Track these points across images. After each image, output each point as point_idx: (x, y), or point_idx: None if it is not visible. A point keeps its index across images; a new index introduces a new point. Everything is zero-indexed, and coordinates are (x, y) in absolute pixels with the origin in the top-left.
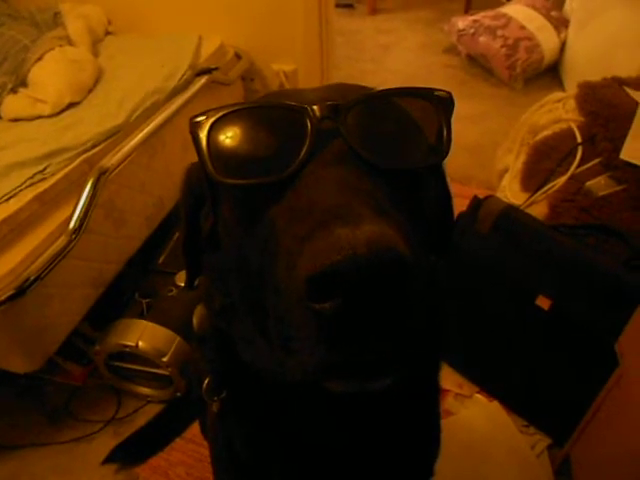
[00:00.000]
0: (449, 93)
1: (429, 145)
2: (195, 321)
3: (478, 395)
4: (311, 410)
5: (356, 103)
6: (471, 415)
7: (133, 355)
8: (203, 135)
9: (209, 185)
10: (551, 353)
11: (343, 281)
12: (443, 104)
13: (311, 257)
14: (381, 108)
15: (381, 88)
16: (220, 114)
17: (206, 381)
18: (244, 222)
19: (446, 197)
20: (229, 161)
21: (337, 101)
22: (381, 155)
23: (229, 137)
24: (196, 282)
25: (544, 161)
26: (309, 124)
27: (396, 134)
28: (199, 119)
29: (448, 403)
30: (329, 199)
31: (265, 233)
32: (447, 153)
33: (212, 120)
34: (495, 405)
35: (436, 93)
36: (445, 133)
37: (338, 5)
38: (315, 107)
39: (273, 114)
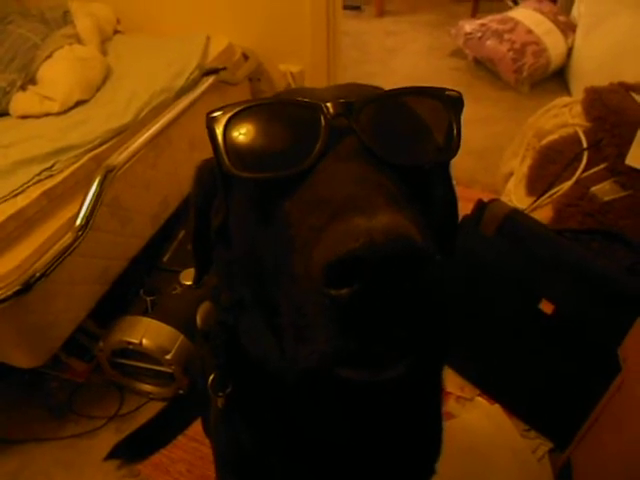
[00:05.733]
0: (459, 93)
1: (439, 144)
2: (199, 319)
3: (479, 398)
4: (315, 405)
5: (369, 101)
6: (472, 418)
7: (136, 352)
8: (219, 130)
9: (222, 179)
10: (553, 357)
11: (361, 268)
12: (454, 103)
13: (329, 244)
14: (393, 107)
15: (392, 87)
16: (237, 109)
17: (212, 377)
18: (257, 216)
19: (452, 198)
20: (245, 155)
21: (350, 99)
22: (393, 152)
23: (245, 132)
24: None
25: (550, 165)
26: (323, 121)
27: (407, 132)
28: (216, 114)
29: (449, 406)
30: (344, 190)
31: (279, 225)
32: (456, 151)
33: (229, 115)
34: (496, 408)
35: (447, 93)
36: (455, 132)
37: (346, 7)
38: (329, 104)
39: (288, 110)
